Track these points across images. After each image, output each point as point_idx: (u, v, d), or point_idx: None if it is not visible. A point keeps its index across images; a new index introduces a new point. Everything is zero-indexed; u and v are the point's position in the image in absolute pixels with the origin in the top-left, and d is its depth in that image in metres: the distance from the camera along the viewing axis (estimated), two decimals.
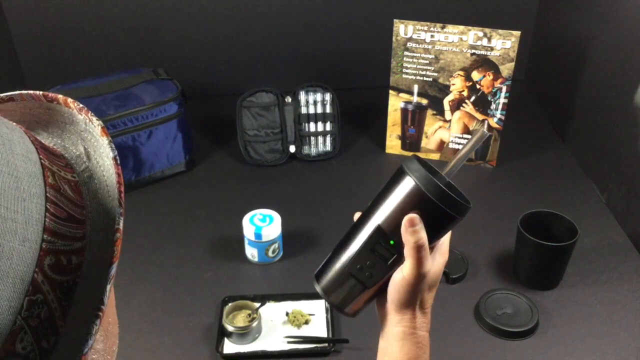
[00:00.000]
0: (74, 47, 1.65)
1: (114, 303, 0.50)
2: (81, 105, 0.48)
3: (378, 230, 0.66)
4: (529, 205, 1.22)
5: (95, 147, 0.47)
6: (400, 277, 0.65)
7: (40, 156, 0.42)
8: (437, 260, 0.67)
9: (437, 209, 0.63)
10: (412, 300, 0.66)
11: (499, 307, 1.09)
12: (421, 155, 1.50)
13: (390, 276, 0.67)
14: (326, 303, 1.09)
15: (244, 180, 1.46)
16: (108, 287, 0.42)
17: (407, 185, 0.64)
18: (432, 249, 0.67)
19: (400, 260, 0.65)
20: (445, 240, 0.69)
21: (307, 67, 1.75)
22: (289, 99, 1.48)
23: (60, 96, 0.48)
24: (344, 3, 1.66)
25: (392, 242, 0.65)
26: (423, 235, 0.63)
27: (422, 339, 0.67)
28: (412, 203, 0.64)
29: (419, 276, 0.64)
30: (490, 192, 1.42)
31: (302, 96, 1.48)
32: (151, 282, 1.18)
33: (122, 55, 1.67)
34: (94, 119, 0.47)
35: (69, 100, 0.48)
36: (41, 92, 0.48)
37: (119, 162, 0.45)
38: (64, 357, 0.40)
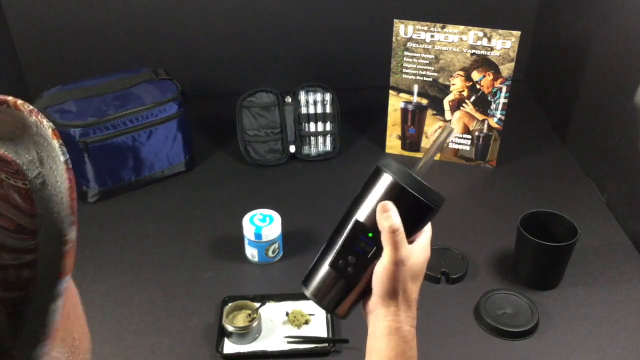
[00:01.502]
0: (74, 47, 1.65)
1: (83, 316, 0.48)
2: (31, 108, 0.45)
3: (356, 224, 0.69)
4: (529, 205, 1.22)
5: (49, 150, 0.45)
6: (381, 266, 0.67)
7: None
8: (417, 253, 0.68)
9: (412, 198, 0.66)
10: (394, 289, 0.67)
11: (499, 307, 1.09)
12: (421, 155, 1.51)
13: (372, 271, 0.69)
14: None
15: (244, 180, 1.46)
16: (55, 304, 0.39)
17: (381, 178, 0.67)
18: (412, 242, 0.69)
19: (380, 252, 0.67)
20: (426, 238, 0.71)
21: (307, 67, 1.75)
22: (289, 99, 1.48)
23: (9, 98, 0.45)
24: (344, 3, 1.66)
25: (370, 234, 0.68)
26: (397, 220, 0.65)
27: (408, 333, 0.68)
28: (387, 194, 0.67)
29: (398, 262, 0.66)
30: (490, 192, 1.42)
31: (302, 96, 1.48)
32: (151, 282, 1.18)
33: (122, 55, 1.67)
34: (44, 121, 0.44)
35: (19, 102, 0.45)
36: None
37: (70, 165, 0.43)
38: None
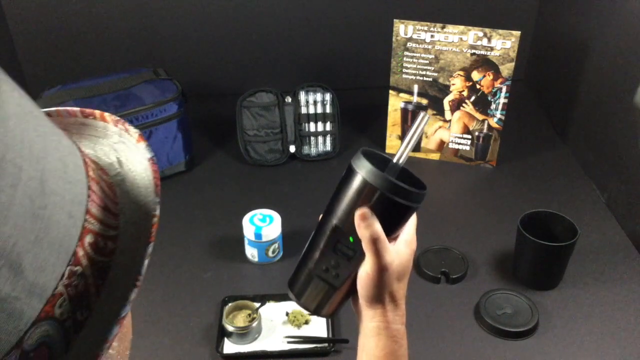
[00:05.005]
0: (74, 47, 1.65)
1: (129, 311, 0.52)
2: (117, 118, 0.50)
3: (335, 230, 0.66)
4: (529, 205, 1.22)
5: (128, 155, 0.50)
6: (364, 272, 0.65)
7: (81, 153, 0.45)
8: (402, 251, 0.67)
9: (388, 200, 0.63)
10: (379, 294, 0.66)
11: (499, 307, 1.09)
12: (421, 155, 1.51)
13: (357, 273, 0.67)
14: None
15: (244, 180, 1.46)
16: (146, 261, 0.45)
17: (355, 181, 0.65)
18: (394, 239, 0.67)
19: (362, 256, 0.66)
20: (410, 231, 0.68)
21: (307, 67, 1.75)
22: (289, 99, 1.48)
23: (97, 112, 0.51)
24: (344, 3, 1.66)
25: (351, 239, 0.66)
26: (377, 228, 0.63)
27: (397, 332, 0.67)
28: (362, 198, 0.64)
29: (381, 269, 0.64)
30: (490, 192, 1.42)
31: (302, 96, 1.48)
32: (151, 282, 1.18)
33: (122, 55, 1.67)
34: (131, 129, 0.50)
35: (106, 114, 0.51)
36: (79, 109, 0.51)
37: (155, 161, 0.48)
38: (95, 332, 0.42)
